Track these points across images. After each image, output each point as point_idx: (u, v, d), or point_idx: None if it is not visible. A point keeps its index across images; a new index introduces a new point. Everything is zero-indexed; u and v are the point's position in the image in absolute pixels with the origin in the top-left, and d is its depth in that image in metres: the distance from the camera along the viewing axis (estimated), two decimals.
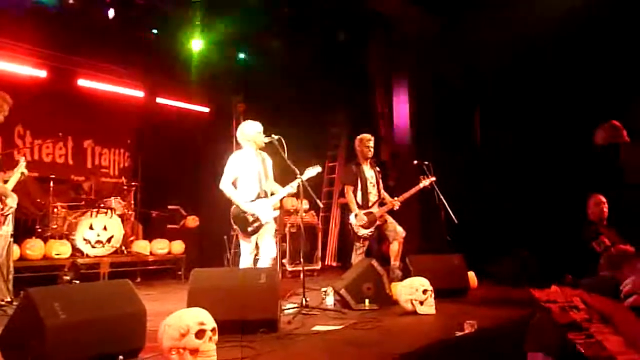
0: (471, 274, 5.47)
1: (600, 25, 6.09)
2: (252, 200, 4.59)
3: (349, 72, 8.55)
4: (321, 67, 8.41)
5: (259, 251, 4.72)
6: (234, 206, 4.59)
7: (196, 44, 7.78)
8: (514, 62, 6.93)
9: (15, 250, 5.75)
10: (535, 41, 6.59)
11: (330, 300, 4.73)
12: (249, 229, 4.54)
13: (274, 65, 8.25)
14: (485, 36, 6.72)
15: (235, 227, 4.65)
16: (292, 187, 4.69)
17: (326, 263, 8.84)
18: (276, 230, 6.91)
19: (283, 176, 4.86)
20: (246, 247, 4.61)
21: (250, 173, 4.65)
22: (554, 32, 6.41)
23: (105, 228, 6.54)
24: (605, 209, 5.31)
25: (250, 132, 4.72)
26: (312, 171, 4.78)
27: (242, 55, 8.50)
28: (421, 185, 5.67)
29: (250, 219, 4.54)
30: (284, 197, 4.89)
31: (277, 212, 4.82)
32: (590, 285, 3.97)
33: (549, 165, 6.58)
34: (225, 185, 4.59)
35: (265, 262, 4.61)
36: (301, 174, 4.66)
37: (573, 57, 6.40)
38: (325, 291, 4.82)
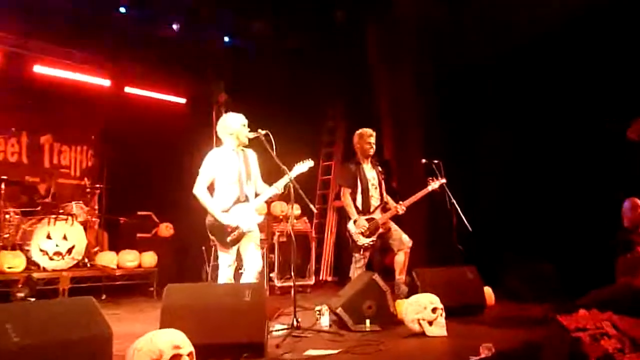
0: (487, 290, 5.47)
1: (618, 10, 6.16)
2: (230, 207, 4.56)
3: (346, 58, 8.54)
4: (315, 52, 8.40)
5: (241, 264, 4.69)
6: (208, 215, 4.57)
7: (172, 24, 7.75)
8: (527, 50, 6.97)
9: None
10: (550, 27, 6.63)
11: (325, 321, 4.72)
12: (228, 239, 4.50)
13: (261, 50, 8.23)
14: (493, 22, 6.77)
15: (212, 237, 4.63)
16: (278, 187, 4.65)
17: (321, 277, 8.83)
18: (263, 239, 6.96)
19: (271, 178, 4.83)
20: (225, 259, 4.58)
21: (230, 173, 4.61)
22: (571, 19, 6.47)
23: (65, 237, 6.50)
24: None
25: (233, 125, 4.69)
26: (303, 166, 4.75)
27: (225, 39, 8.47)
28: (430, 187, 5.67)
29: (228, 227, 4.51)
30: (269, 199, 4.86)
31: (262, 218, 4.79)
32: (607, 295, 4.00)
33: (576, 165, 6.61)
34: (199, 190, 4.54)
35: (250, 275, 4.57)
36: (290, 171, 4.63)
37: (594, 44, 6.45)
38: (319, 310, 4.81)
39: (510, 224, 6.97)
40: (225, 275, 4.57)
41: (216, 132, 4.87)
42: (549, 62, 6.84)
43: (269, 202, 7.15)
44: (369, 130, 5.80)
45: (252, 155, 4.81)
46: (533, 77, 7.00)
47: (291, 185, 4.62)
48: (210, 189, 4.64)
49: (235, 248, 4.57)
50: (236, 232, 4.51)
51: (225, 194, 4.59)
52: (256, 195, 4.74)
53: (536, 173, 6.99)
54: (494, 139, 7.56)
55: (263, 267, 6.93)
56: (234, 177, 4.61)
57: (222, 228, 4.50)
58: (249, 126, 4.72)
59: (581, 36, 6.48)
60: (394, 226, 5.66)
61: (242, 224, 4.54)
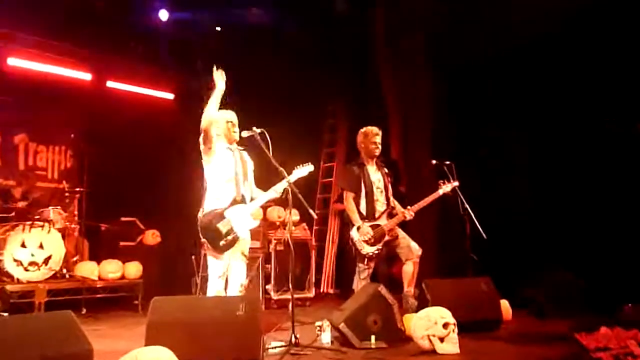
0: (504, 303, 5.47)
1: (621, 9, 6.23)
2: (227, 207, 4.56)
3: (349, 50, 8.54)
4: (315, 44, 8.41)
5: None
6: (202, 213, 4.57)
7: (158, 13, 7.76)
8: (544, 43, 6.97)
9: None
10: (570, 17, 6.66)
11: (326, 337, 4.72)
12: (222, 242, 4.50)
13: (256, 42, 8.23)
14: (509, 15, 6.80)
15: (203, 240, 4.62)
16: (277, 190, 4.67)
17: (321, 290, 8.83)
18: (259, 248, 6.97)
19: (267, 180, 4.83)
20: (216, 268, 4.57)
21: (225, 170, 4.63)
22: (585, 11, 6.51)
23: (41, 246, 6.49)
24: None
25: (219, 122, 4.71)
26: (303, 170, 4.79)
27: (217, 29, 8.47)
28: (441, 191, 5.67)
29: (224, 229, 4.52)
30: (265, 203, 4.87)
31: (257, 223, 4.79)
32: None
33: (598, 164, 6.59)
34: (207, 110, 4.58)
35: (233, 288, 4.59)
36: (289, 174, 4.65)
37: (612, 37, 6.47)
38: (320, 325, 4.81)
39: (529, 231, 6.96)
40: (215, 287, 4.56)
41: None
42: (576, 56, 6.85)
43: (265, 207, 7.15)
44: (374, 129, 5.81)
45: (248, 158, 4.85)
46: (554, 72, 6.99)
47: (289, 189, 4.63)
48: (202, 189, 4.65)
49: (227, 256, 4.57)
50: (230, 235, 4.51)
51: (221, 193, 4.60)
52: (251, 200, 4.76)
53: (558, 175, 6.98)
54: (512, 139, 7.56)
55: (260, 278, 7.03)
56: (230, 175, 4.63)
57: (217, 230, 4.49)
58: (242, 124, 4.74)
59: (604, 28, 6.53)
60: (401, 233, 5.66)
61: (238, 228, 4.54)
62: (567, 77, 6.82)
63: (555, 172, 7.01)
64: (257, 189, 4.85)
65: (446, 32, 7.51)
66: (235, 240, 4.55)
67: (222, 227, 4.52)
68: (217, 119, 4.72)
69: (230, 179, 4.63)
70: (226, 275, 4.61)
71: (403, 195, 6.75)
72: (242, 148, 4.87)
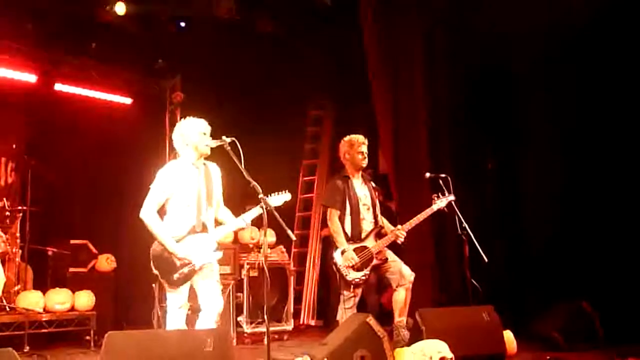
0: (508, 335, 5.51)
1: None
2: (182, 238, 4.58)
3: (331, 47, 8.58)
4: (293, 39, 8.44)
5: (196, 305, 4.67)
6: (155, 242, 4.56)
7: (113, 5, 7.76)
8: (570, 45, 7.06)
9: None
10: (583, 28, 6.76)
11: None
12: (176, 275, 4.50)
13: (224, 37, 8.26)
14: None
15: (155, 272, 4.60)
16: (245, 220, 4.72)
17: (301, 321, 8.81)
18: (229, 274, 6.95)
19: (241, 195, 4.83)
20: (174, 300, 4.58)
21: (186, 194, 4.63)
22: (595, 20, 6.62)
23: None
24: None
25: (189, 134, 4.71)
26: (278, 199, 4.81)
27: (181, 24, 8.50)
28: (435, 206, 5.71)
29: (178, 262, 4.52)
30: (231, 231, 4.90)
31: (220, 254, 4.75)
32: None
33: (618, 182, 6.66)
34: (147, 213, 4.55)
35: (209, 319, 4.58)
36: (264, 193, 4.62)
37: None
38: None
39: (537, 254, 7.01)
40: (175, 320, 4.57)
41: (170, 141, 4.88)
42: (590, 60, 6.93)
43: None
44: (360, 137, 5.84)
45: (215, 171, 4.85)
46: (581, 75, 7.01)
47: (264, 207, 4.60)
48: (161, 213, 4.64)
49: (186, 287, 4.58)
50: (186, 268, 4.51)
51: (177, 220, 4.61)
52: (216, 222, 4.77)
53: (567, 190, 7.03)
54: (526, 153, 7.59)
55: (231, 309, 7.01)
56: (191, 200, 4.63)
57: (170, 261, 4.51)
58: (211, 132, 4.74)
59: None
60: (391, 256, 5.69)
61: (196, 259, 4.55)
62: (598, 80, 6.86)
63: (568, 189, 7.04)
64: (225, 210, 4.87)
65: (454, 22, 7.55)
66: (191, 273, 4.55)
67: (176, 258, 4.52)
68: (186, 129, 4.73)
69: (191, 205, 4.63)
70: (188, 305, 4.62)
71: (393, 214, 6.76)
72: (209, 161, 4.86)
